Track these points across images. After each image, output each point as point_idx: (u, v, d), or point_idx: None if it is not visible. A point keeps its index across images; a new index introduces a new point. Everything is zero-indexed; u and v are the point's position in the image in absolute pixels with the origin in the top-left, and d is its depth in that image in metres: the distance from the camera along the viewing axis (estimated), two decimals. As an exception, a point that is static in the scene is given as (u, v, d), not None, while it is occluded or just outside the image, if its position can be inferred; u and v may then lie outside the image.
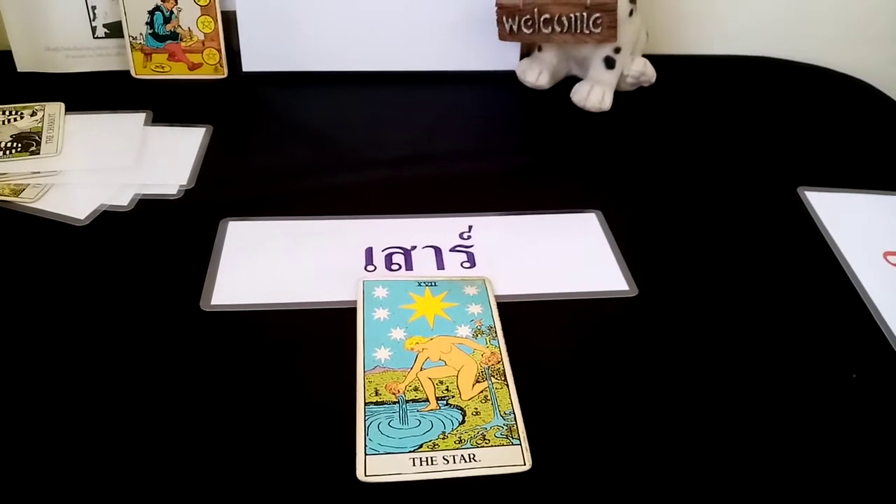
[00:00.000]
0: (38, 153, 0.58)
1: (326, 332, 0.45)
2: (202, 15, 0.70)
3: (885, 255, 0.54)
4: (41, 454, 0.37)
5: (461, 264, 0.50)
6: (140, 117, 0.64)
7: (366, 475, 0.36)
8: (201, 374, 0.42)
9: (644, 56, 0.72)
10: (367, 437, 0.38)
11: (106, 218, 0.53)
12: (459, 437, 0.38)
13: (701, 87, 0.76)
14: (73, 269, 0.49)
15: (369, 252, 0.51)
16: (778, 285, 0.51)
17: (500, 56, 0.73)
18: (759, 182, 0.61)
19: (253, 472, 0.37)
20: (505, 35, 0.70)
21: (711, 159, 0.64)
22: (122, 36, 0.70)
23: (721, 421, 0.41)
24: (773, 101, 0.75)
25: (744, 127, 0.70)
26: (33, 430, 0.38)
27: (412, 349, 0.43)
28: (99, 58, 0.72)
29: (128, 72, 0.71)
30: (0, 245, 0.50)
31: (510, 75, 0.74)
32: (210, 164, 0.60)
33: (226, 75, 0.72)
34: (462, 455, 0.37)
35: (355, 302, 0.46)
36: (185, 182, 0.57)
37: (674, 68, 0.76)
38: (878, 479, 0.38)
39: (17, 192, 0.55)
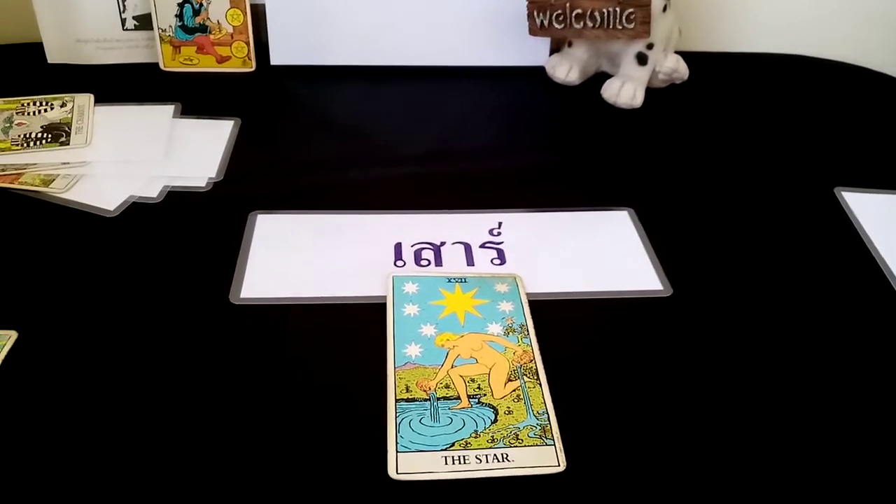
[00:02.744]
0: (68, 144, 0.59)
1: (355, 328, 0.44)
2: (231, 8, 0.70)
3: (927, 257, 0.53)
4: (71, 444, 0.37)
5: (491, 261, 0.50)
6: (169, 109, 0.64)
7: (398, 473, 0.36)
8: (230, 368, 0.41)
9: (677, 52, 0.71)
10: (398, 435, 0.37)
11: (135, 209, 0.53)
12: (492, 437, 0.38)
13: (734, 85, 0.75)
14: (102, 260, 0.49)
15: (398, 247, 0.50)
16: (814, 287, 0.49)
17: (529, 51, 0.72)
18: (794, 182, 0.60)
19: (283, 467, 0.36)
20: (535, 30, 0.69)
21: (745, 158, 0.63)
22: (151, 28, 0.70)
23: (757, 423, 0.40)
24: (808, 100, 0.73)
25: (778, 126, 0.68)
26: (64, 420, 0.38)
27: (443, 346, 0.43)
28: (128, 50, 0.72)
29: (156, 64, 0.71)
30: (30, 235, 0.50)
31: (540, 71, 0.73)
32: (238, 156, 0.59)
33: (254, 68, 0.72)
34: (495, 454, 0.37)
35: (384, 297, 0.46)
36: (213, 175, 0.57)
37: (707, 65, 0.75)
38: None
39: (48, 182, 0.55)
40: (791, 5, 0.79)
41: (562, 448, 0.37)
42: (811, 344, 0.45)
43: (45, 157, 0.57)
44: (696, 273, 0.50)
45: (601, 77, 0.72)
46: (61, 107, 0.63)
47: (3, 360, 0.41)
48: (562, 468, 0.36)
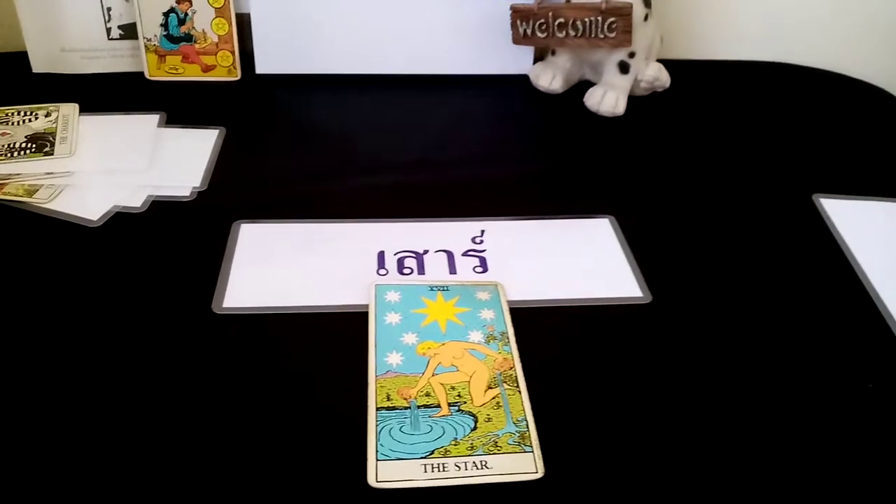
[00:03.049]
0: (52, 154, 0.59)
1: (338, 336, 0.44)
2: (216, 17, 0.70)
3: (903, 263, 0.53)
4: (51, 456, 0.37)
5: (473, 269, 0.50)
6: (154, 119, 0.64)
7: (377, 481, 0.36)
8: (212, 377, 0.42)
9: (658, 61, 0.71)
10: (378, 443, 0.38)
11: (119, 219, 0.53)
12: (471, 444, 0.38)
13: (715, 93, 0.76)
14: (85, 270, 0.49)
15: (381, 256, 0.51)
16: (793, 293, 0.50)
17: (513, 60, 0.73)
18: (773, 189, 0.61)
19: (263, 476, 0.36)
20: (519, 39, 0.70)
21: (726, 165, 0.64)
22: (136, 37, 0.71)
23: (735, 430, 0.40)
24: (788, 107, 0.74)
25: (759, 133, 0.69)
26: (44, 431, 0.38)
27: (424, 354, 0.43)
28: (113, 59, 0.72)
29: (142, 73, 0.72)
30: (14, 245, 0.51)
31: (523, 79, 0.74)
32: (223, 166, 0.60)
33: (239, 77, 0.72)
34: (474, 462, 0.37)
35: (367, 306, 0.46)
36: (198, 184, 0.57)
37: (688, 73, 0.76)
38: (893, 489, 0.38)
39: (31, 192, 0.55)
40: (771, 13, 0.80)
41: (540, 455, 0.38)
42: (789, 351, 0.45)
43: (29, 168, 0.57)
44: (676, 280, 0.50)
45: (585, 85, 0.72)
46: (46, 116, 0.63)
47: (-15, 372, 0.41)
48: (540, 475, 0.37)
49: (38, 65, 0.71)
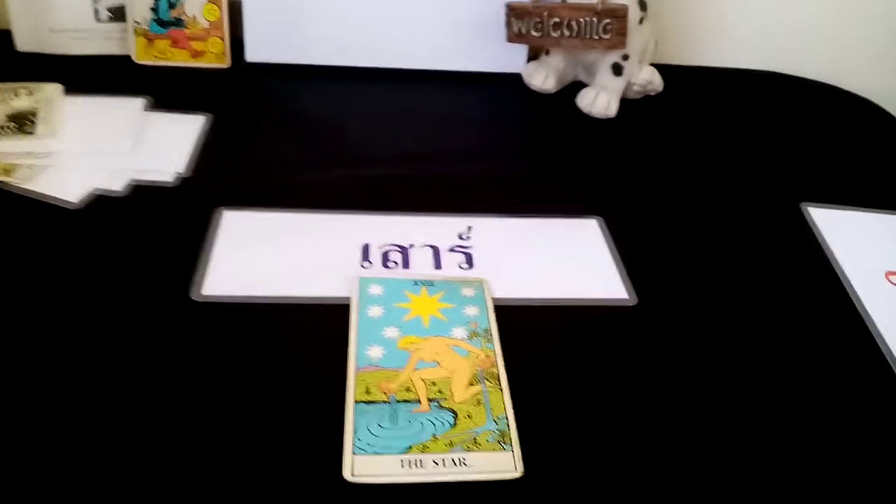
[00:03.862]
0: (33, 133, 0.57)
1: (319, 328, 0.44)
2: (208, 3, 0.69)
3: (887, 274, 0.53)
4: (27, 439, 0.36)
5: (459, 265, 0.50)
6: (139, 103, 0.63)
7: (353, 475, 0.35)
8: (189, 366, 0.41)
9: (652, 65, 0.71)
10: (355, 437, 0.37)
11: (99, 202, 0.52)
12: (450, 441, 0.37)
13: (708, 99, 0.76)
14: (62, 252, 0.48)
15: (366, 248, 0.50)
16: (778, 300, 0.50)
17: (507, 58, 0.73)
18: (762, 196, 0.61)
19: (238, 466, 0.36)
20: (513, 37, 0.69)
21: (715, 171, 0.64)
22: (125, 20, 0.69)
23: (717, 433, 0.40)
24: (779, 117, 0.74)
25: (749, 140, 0.69)
26: (19, 415, 0.37)
27: (405, 349, 0.42)
28: (101, 41, 0.71)
29: (129, 57, 0.71)
30: (-11, 225, 0.49)
31: (516, 78, 0.73)
32: (208, 152, 0.59)
33: (229, 65, 0.71)
34: (452, 459, 0.37)
35: (349, 298, 0.46)
36: (181, 170, 0.56)
37: (682, 79, 0.75)
38: (876, 496, 0.37)
39: (10, 171, 0.54)
40: (766, 23, 0.80)
41: (520, 454, 0.37)
42: (772, 356, 0.45)
43: (9, 146, 0.56)
44: (662, 283, 0.50)
45: (577, 86, 0.72)
46: (28, 95, 0.62)
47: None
48: (519, 474, 0.36)
49: (23, 43, 0.70)
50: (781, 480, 0.38)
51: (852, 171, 0.66)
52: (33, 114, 0.60)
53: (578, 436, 0.39)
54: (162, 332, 0.42)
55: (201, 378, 0.40)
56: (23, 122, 0.58)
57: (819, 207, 0.60)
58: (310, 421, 0.38)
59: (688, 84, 0.76)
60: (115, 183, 0.54)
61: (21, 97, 0.61)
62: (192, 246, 0.48)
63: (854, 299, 0.51)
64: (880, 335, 0.48)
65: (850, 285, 0.52)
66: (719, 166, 0.64)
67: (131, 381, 0.39)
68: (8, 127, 0.58)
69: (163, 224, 0.51)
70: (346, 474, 0.35)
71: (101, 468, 0.35)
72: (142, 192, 0.54)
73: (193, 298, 0.45)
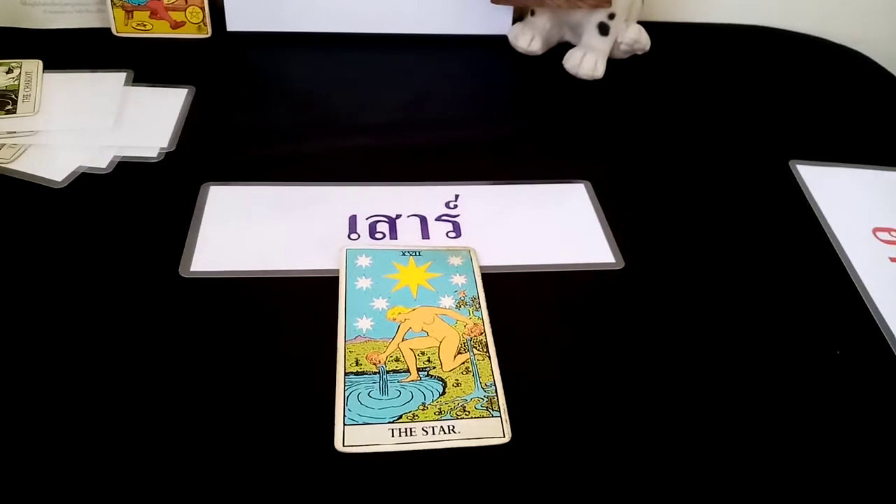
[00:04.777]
0: (15, 112, 0.57)
1: (307, 301, 0.44)
2: (185, -29, 0.68)
3: (874, 230, 0.54)
4: (14, 420, 0.36)
5: (447, 234, 0.50)
6: (121, 77, 0.62)
7: (344, 446, 0.36)
8: (179, 342, 0.41)
9: (639, 23, 0.70)
10: (346, 408, 0.38)
11: (84, 181, 0.52)
12: (439, 409, 0.38)
13: (696, 57, 0.75)
14: (49, 232, 0.48)
15: (353, 220, 0.50)
16: (765, 260, 0.50)
17: (492, 20, 0.71)
18: (751, 155, 0.60)
19: (229, 440, 0.36)
20: (497, -2, 0.68)
21: (704, 130, 0.63)
22: (102, -8, 0.68)
23: (704, 397, 0.40)
24: (769, 72, 0.73)
25: (738, 98, 0.68)
26: (5, 396, 0.37)
27: (394, 319, 0.43)
28: (79, 14, 0.70)
29: (108, 29, 0.69)
30: (-26, 206, 0.49)
31: (502, 40, 0.72)
32: (192, 126, 0.58)
33: (210, 35, 0.70)
34: (441, 426, 0.37)
35: (338, 270, 0.46)
36: (165, 145, 0.56)
37: (669, 36, 0.74)
38: (860, 460, 0.38)
39: (-8, 152, 0.53)
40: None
41: (507, 419, 0.38)
42: (761, 317, 0.46)
43: (-10, 126, 0.55)
44: (648, 246, 0.50)
45: (564, 47, 0.71)
46: (7, 73, 0.61)
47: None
48: (507, 439, 0.37)
49: (-1, 19, 0.69)
50: (771, 444, 0.38)
51: (842, 125, 0.66)
52: (14, 92, 0.59)
53: (566, 401, 0.40)
54: (151, 309, 0.43)
55: (192, 354, 0.40)
56: (3, 101, 0.58)
57: (808, 165, 0.60)
58: (300, 393, 0.39)
59: (675, 41, 0.75)
60: (100, 160, 0.53)
61: (0, 75, 0.61)
62: (178, 222, 0.48)
63: (841, 257, 0.51)
64: (867, 292, 0.48)
65: (838, 242, 0.52)
66: (708, 125, 0.64)
67: (121, 360, 0.40)
68: (-12, 106, 0.57)
69: (149, 201, 0.51)
70: (338, 445, 0.36)
71: (91, 446, 0.36)
72: (127, 169, 0.53)
73: (182, 275, 0.45)
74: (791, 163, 0.60)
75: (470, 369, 0.40)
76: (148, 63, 0.65)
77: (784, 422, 0.39)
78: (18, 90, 0.59)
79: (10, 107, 0.57)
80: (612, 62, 0.69)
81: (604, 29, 0.67)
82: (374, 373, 0.40)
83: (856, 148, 0.62)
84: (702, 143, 0.61)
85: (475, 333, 0.42)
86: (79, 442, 0.36)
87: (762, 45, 0.78)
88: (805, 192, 0.57)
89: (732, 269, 0.49)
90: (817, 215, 0.55)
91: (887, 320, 0.46)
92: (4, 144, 0.54)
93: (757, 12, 0.80)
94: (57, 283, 0.44)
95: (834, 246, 0.52)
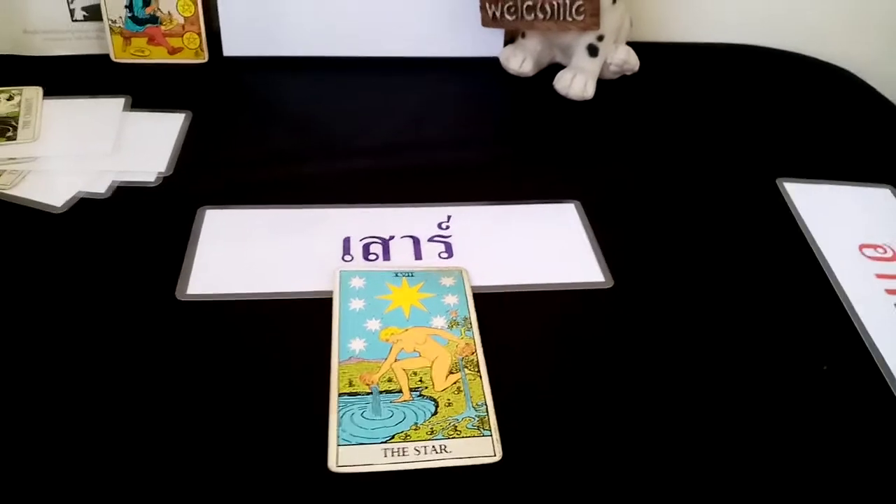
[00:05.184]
0: (15, 139, 0.58)
1: (302, 323, 0.45)
2: (182, -2, 0.69)
3: (861, 247, 0.54)
4: (14, 439, 0.37)
5: (439, 254, 0.51)
6: (119, 102, 0.64)
7: (337, 465, 0.37)
8: (176, 364, 0.42)
9: (628, 44, 0.72)
10: (339, 428, 0.38)
11: (83, 205, 0.53)
12: (431, 428, 0.39)
13: (684, 76, 0.76)
14: (48, 257, 0.48)
15: (347, 242, 0.51)
16: (754, 277, 0.51)
17: (483, 42, 0.73)
18: (739, 173, 0.61)
19: (224, 460, 0.37)
20: (488, 21, 0.69)
21: (693, 149, 0.64)
22: (101, 19, 0.69)
23: (695, 413, 0.41)
24: (756, 91, 0.75)
25: (726, 116, 0.70)
26: (6, 416, 0.38)
27: (387, 340, 0.44)
28: (77, 41, 0.71)
29: (107, 56, 0.71)
30: (-25, 232, 0.50)
31: (494, 62, 0.74)
32: (189, 151, 0.59)
33: (206, 60, 0.71)
34: (433, 446, 0.38)
35: (331, 292, 0.47)
36: (163, 169, 0.57)
37: (658, 56, 0.76)
38: (848, 474, 0.39)
39: (-7, 178, 0.54)
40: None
41: (499, 439, 0.38)
42: (749, 334, 0.46)
43: (-9, 153, 0.56)
44: (638, 265, 0.51)
45: (555, 68, 0.72)
46: (8, 100, 0.62)
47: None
48: (498, 458, 0.38)
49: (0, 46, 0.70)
50: (758, 454, 0.39)
51: (829, 142, 0.67)
52: (14, 118, 0.60)
53: (557, 419, 0.40)
54: (149, 332, 0.43)
55: (189, 376, 0.41)
56: (4, 128, 0.59)
57: (795, 182, 0.61)
58: (295, 414, 0.39)
59: (664, 61, 0.77)
60: (99, 185, 0.54)
61: (1, 102, 0.62)
62: (175, 246, 0.49)
63: (828, 273, 0.52)
64: (853, 308, 0.49)
65: (825, 259, 0.53)
66: (697, 144, 0.65)
67: (119, 382, 0.40)
68: (-11, 133, 0.58)
69: (146, 225, 0.51)
70: (332, 465, 0.37)
71: (90, 466, 0.36)
72: (125, 194, 0.54)
73: (178, 298, 0.46)
74: (778, 180, 0.61)
75: (461, 389, 0.41)
76: (146, 88, 0.66)
77: (773, 437, 0.40)
78: (19, 117, 0.60)
79: (10, 133, 0.58)
80: (601, 83, 0.71)
81: (593, 50, 0.69)
82: (367, 393, 0.40)
83: (842, 165, 0.63)
84: (690, 162, 0.62)
85: (467, 353, 0.43)
86: (77, 462, 0.36)
87: (749, 64, 0.80)
88: (792, 210, 0.58)
89: (721, 286, 0.50)
90: (804, 232, 0.56)
91: (873, 337, 0.47)
92: (5, 171, 0.55)
93: (743, 31, 0.82)
94: (56, 306, 0.45)
95: (821, 262, 0.53)
